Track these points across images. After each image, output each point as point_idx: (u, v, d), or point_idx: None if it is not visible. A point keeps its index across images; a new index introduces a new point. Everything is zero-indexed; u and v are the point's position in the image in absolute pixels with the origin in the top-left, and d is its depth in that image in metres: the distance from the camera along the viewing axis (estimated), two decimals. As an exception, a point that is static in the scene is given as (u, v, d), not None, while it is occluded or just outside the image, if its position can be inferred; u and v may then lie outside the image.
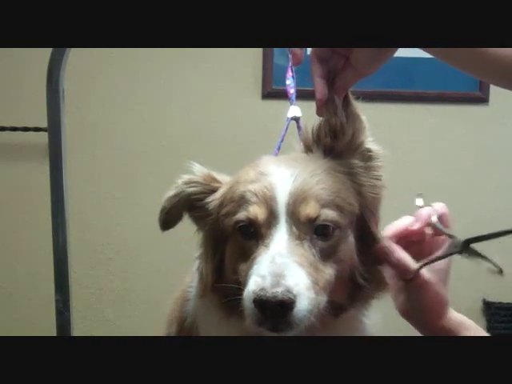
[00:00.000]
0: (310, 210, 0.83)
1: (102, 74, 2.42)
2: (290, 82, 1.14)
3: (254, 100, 2.41)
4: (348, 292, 0.89)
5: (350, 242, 0.87)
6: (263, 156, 0.95)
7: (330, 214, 0.84)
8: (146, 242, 2.44)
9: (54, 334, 1.32)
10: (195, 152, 2.29)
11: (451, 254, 0.86)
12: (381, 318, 0.97)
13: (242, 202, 0.86)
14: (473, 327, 0.92)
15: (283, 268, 0.78)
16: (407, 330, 0.97)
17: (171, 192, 0.95)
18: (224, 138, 2.40)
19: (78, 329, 1.39)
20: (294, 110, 1.11)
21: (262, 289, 0.76)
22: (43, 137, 1.37)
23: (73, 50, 1.21)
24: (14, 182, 2.44)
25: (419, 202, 0.95)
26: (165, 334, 1.15)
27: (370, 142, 0.94)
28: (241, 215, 0.85)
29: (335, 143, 0.91)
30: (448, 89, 2.42)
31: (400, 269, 0.88)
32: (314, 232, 0.84)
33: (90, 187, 2.43)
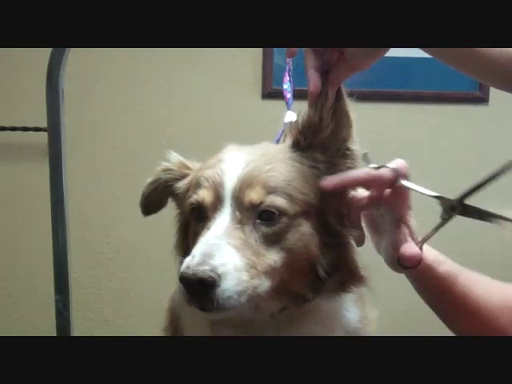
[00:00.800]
0: (254, 195, 0.85)
1: (102, 73, 2.42)
2: (286, 86, 1.15)
3: (254, 100, 2.41)
4: (309, 283, 0.89)
5: (302, 231, 0.87)
6: (228, 144, 0.97)
7: (276, 201, 0.85)
8: (146, 242, 2.44)
9: (54, 334, 1.32)
10: (195, 152, 2.28)
11: (450, 217, 0.85)
12: (378, 316, 0.97)
13: (196, 186, 0.90)
14: (447, 261, 0.94)
15: (213, 248, 0.80)
16: (404, 329, 0.97)
17: (150, 178, 1.02)
18: (224, 138, 2.38)
19: (78, 329, 1.39)
20: (291, 116, 1.11)
21: (187, 267, 0.78)
22: (43, 137, 1.37)
23: (73, 49, 1.21)
24: (13, 182, 2.44)
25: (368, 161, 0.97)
26: (163, 332, 1.16)
27: (352, 142, 0.93)
28: (192, 199, 0.89)
29: (307, 137, 0.92)
30: (448, 89, 2.42)
31: (375, 182, 0.89)
32: (257, 217, 0.85)
33: (89, 187, 2.43)
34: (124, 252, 2.48)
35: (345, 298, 0.93)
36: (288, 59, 1.14)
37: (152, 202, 1.02)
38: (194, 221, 0.90)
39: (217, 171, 0.89)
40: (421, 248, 0.87)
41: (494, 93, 2.41)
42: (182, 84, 2.41)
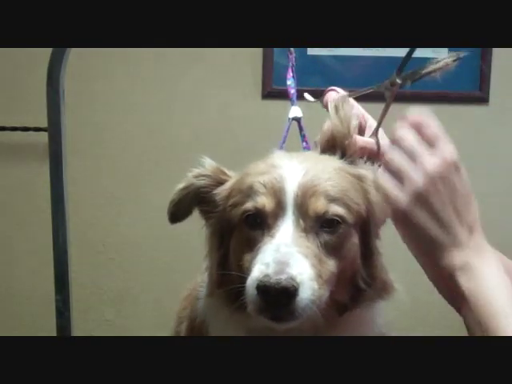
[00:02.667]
0: (318, 204, 0.84)
1: (102, 73, 2.41)
2: (290, 82, 1.15)
3: (254, 100, 2.41)
4: (349, 293, 0.89)
5: (353, 241, 0.88)
6: (275, 151, 0.96)
7: (337, 210, 0.85)
8: (146, 242, 2.44)
9: (54, 334, 1.31)
10: (195, 152, 2.28)
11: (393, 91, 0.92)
12: (389, 317, 0.98)
13: (250, 192, 0.87)
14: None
15: (288, 257, 0.79)
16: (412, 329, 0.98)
17: (181, 185, 0.96)
18: (224, 138, 2.40)
19: (78, 329, 1.38)
20: (295, 111, 1.12)
21: (266, 275, 0.76)
22: (43, 137, 1.37)
23: (73, 49, 1.21)
24: (14, 182, 2.44)
25: (308, 97, 0.98)
26: (172, 332, 1.15)
27: None
28: (248, 205, 0.86)
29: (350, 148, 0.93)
30: (448, 89, 2.41)
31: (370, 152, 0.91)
32: (320, 225, 0.85)
33: (89, 187, 2.43)
34: (124, 252, 2.48)
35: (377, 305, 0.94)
36: (291, 55, 1.14)
37: (181, 209, 0.97)
38: (247, 228, 0.87)
39: (274, 177, 0.86)
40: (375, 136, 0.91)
41: (494, 93, 2.41)
42: (182, 84, 2.41)
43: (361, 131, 1.00)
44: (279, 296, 0.76)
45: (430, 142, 0.82)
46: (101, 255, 2.48)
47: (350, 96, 0.97)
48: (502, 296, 0.77)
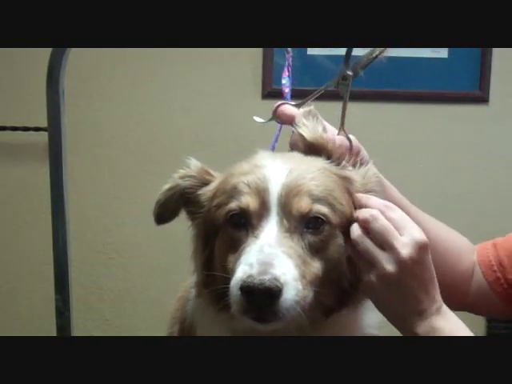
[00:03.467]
0: (302, 203, 0.84)
1: (102, 73, 2.41)
2: (285, 81, 1.15)
3: (254, 100, 2.40)
4: (335, 295, 0.88)
5: (338, 242, 0.88)
6: (259, 150, 0.96)
7: (321, 209, 0.85)
8: (146, 242, 2.44)
9: (54, 334, 1.31)
10: (195, 152, 2.28)
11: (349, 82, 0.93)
12: (380, 318, 0.97)
13: (234, 192, 0.87)
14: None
15: (271, 257, 0.79)
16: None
17: (166, 185, 0.96)
18: (224, 138, 2.40)
19: (78, 329, 1.38)
20: None
21: (250, 276, 0.76)
22: (43, 137, 1.37)
23: (73, 49, 1.21)
24: (14, 182, 2.44)
25: (258, 119, 1.02)
26: (167, 334, 1.15)
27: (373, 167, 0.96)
28: (232, 205, 0.86)
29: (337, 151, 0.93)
30: (448, 89, 2.42)
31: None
32: (304, 226, 0.85)
33: (89, 187, 2.43)
34: (124, 252, 2.48)
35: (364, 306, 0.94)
36: (287, 55, 1.14)
37: (167, 210, 0.96)
38: (231, 228, 0.87)
39: (258, 177, 0.86)
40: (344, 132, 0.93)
41: (494, 93, 2.41)
42: (182, 84, 2.41)
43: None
44: (263, 297, 0.76)
45: (396, 226, 0.85)
46: (101, 255, 2.48)
47: (303, 102, 0.98)
48: None
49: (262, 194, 0.85)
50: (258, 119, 1.04)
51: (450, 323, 0.87)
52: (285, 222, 0.83)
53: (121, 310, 2.50)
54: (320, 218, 0.85)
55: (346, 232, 0.88)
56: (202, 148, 2.34)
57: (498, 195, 2.43)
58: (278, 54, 2.34)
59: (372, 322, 0.96)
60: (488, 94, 2.41)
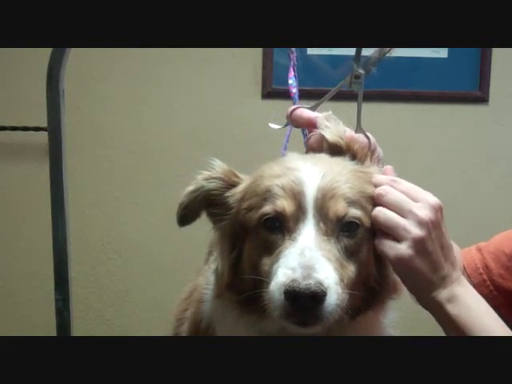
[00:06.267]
0: (339, 207, 0.84)
1: (102, 73, 2.41)
2: (292, 81, 1.15)
3: (254, 100, 2.40)
4: (363, 295, 0.88)
5: (370, 244, 0.88)
6: (289, 153, 0.96)
7: (356, 213, 0.85)
8: (146, 242, 2.44)
9: (54, 334, 1.31)
10: (195, 152, 2.28)
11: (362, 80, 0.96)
12: (396, 318, 0.98)
13: (267, 195, 0.86)
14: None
15: (313, 261, 0.78)
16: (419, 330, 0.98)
17: (191, 187, 0.95)
18: (224, 138, 2.40)
19: (78, 329, 1.38)
20: None
21: (294, 280, 0.76)
22: (43, 136, 1.37)
23: (73, 49, 1.21)
24: (14, 181, 2.44)
25: (273, 126, 1.02)
26: (171, 333, 1.15)
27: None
28: (267, 208, 0.85)
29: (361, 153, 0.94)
30: (448, 89, 2.42)
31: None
32: (340, 229, 0.84)
33: (89, 187, 2.43)
34: (124, 252, 2.48)
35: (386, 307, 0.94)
36: (292, 55, 1.13)
37: (190, 211, 0.95)
38: (265, 231, 0.86)
39: (292, 180, 0.86)
40: (361, 130, 0.95)
41: (494, 93, 2.41)
42: (182, 84, 2.41)
43: None
44: (308, 301, 0.76)
45: (408, 195, 0.87)
46: (101, 255, 2.48)
47: (317, 105, 0.98)
48: (489, 318, 0.89)
49: (297, 197, 0.84)
50: (273, 125, 1.03)
51: (469, 292, 0.89)
52: (321, 225, 0.83)
53: (121, 310, 2.50)
54: (355, 221, 0.85)
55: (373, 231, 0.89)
56: (201, 148, 2.34)
57: (498, 195, 2.43)
58: (278, 54, 2.34)
59: (388, 322, 0.96)
60: (488, 94, 2.41)
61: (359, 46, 0.92)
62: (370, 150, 0.95)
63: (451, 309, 0.87)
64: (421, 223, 0.84)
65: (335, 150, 0.93)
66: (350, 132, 0.96)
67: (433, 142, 2.44)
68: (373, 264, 0.89)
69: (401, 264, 0.85)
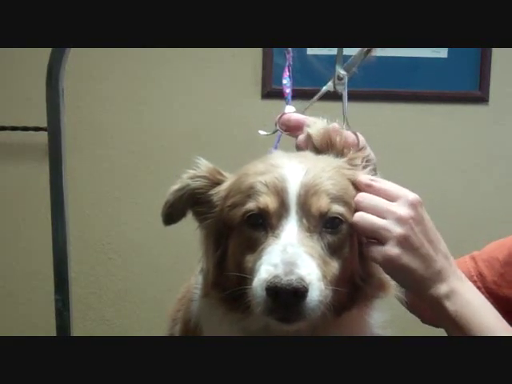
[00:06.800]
0: (321, 203, 0.84)
1: (102, 73, 2.41)
2: (286, 81, 1.15)
3: (254, 100, 2.40)
4: (347, 292, 0.88)
5: (353, 240, 0.88)
6: (273, 151, 0.96)
7: (339, 209, 0.85)
8: (146, 242, 2.44)
9: (54, 334, 1.31)
10: (195, 152, 2.28)
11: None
12: (387, 318, 0.97)
13: (251, 192, 0.87)
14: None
15: (295, 257, 0.79)
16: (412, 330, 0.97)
17: (176, 186, 0.95)
18: (224, 138, 2.40)
19: (78, 329, 1.38)
20: (290, 110, 1.12)
21: (276, 276, 0.76)
22: (43, 137, 1.37)
23: (73, 49, 1.21)
24: (14, 182, 2.44)
25: (262, 132, 1.03)
26: (167, 334, 1.15)
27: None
28: (250, 205, 0.86)
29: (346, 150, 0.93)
30: (448, 89, 2.42)
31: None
32: (323, 225, 0.85)
33: (89, 187, 2.43)
34: (124, 252, 2.48)
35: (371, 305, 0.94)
36: (288, 55, 1.14)
37: (176, 210, 0.96)
38: (249, 228, 0.86)
39: (275, 177, 0.86)
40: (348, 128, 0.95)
41: (494, 93, 2.41)
42: (182, 84, 2.41)
43: None
44: (289, 297, 0.76)
45: (387, 195, 0.87)
46: (101, 255, 2.48)
47: (305, 109, 0.99)
48: (488, 314, 0.88)
49: (280, 193, 0.85)
50: (262, 132, 1.04)
51: (468, 287, 0.90)
52: (304, 221, 0.84)
53: (120, 310, 2.50)
54: (338, 217, 0.85)
55: None
56: (201, 148, 2.34)
57: (498, 195, 2.43)
58: (277, 54, 2.34)
59: (376, 322, 0.96)
60: (488, 93, 2.41)
61: (341, 46, 0.93)
62: (358, 148, 0.95)
63: (450, 305, 0.87)
64: (401, 221, 0.84)
65: (321, 147, 0.93)
66: (336, 125, 0.96)
67: (433, 142, 2.44)
68: (357, 261, 0.89)
69: (390, 264, 0.85)
